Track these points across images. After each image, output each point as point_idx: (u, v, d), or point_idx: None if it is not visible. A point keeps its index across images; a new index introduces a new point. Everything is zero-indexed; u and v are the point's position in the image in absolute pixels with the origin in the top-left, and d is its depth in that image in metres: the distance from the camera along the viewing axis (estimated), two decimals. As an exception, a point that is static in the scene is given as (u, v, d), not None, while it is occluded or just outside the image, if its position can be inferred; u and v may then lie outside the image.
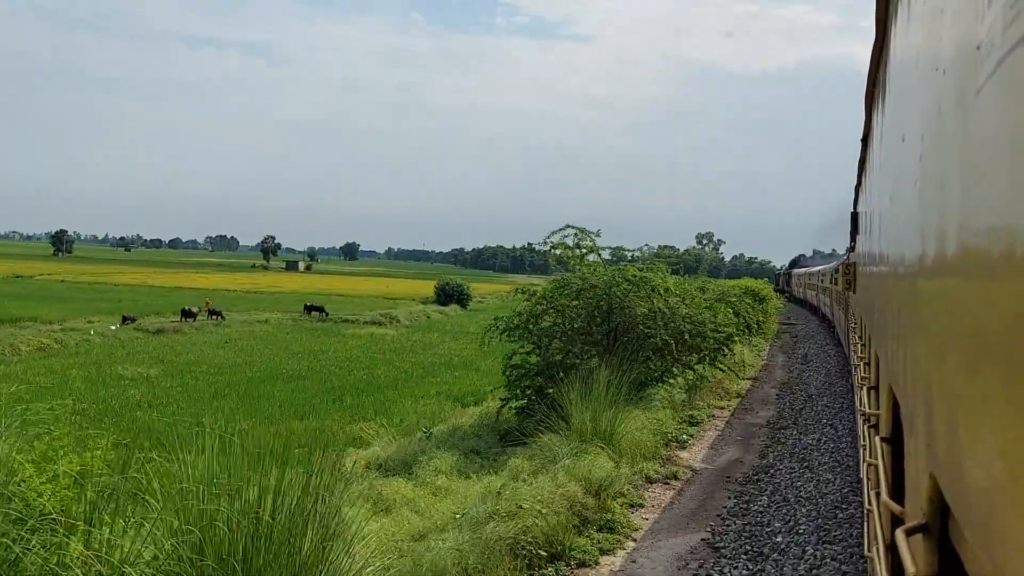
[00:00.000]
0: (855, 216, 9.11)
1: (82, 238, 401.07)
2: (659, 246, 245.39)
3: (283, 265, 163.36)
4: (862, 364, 6.59)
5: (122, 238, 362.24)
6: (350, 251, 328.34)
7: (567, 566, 6.88)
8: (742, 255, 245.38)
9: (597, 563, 7.09)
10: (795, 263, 70.00)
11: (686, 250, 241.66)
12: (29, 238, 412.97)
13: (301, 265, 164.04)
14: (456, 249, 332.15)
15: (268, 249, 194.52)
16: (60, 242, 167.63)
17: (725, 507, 8.85)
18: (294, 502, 4.93)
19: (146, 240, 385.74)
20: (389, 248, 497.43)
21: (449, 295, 57.89)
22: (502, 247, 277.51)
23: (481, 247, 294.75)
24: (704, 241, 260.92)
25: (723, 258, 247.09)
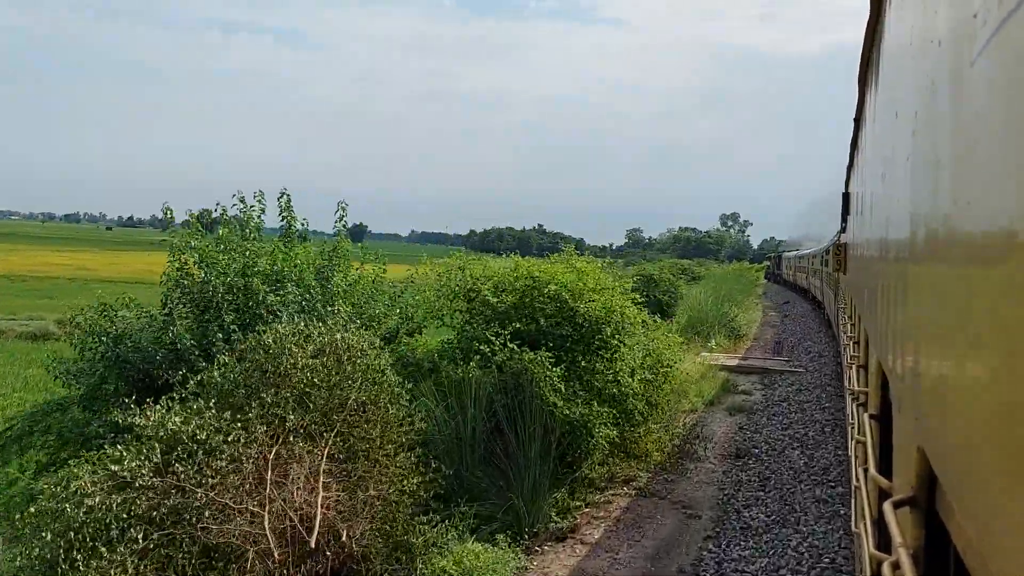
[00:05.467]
0: (847, 196, 9.11)
1: (107, 219, 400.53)
2: (679, 228, 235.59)
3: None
4: (851, 343, 6.63)
5: (131, 217, 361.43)
6: (357, 233, 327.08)
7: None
8: (772, 238, 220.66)
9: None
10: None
11: (706, 232, 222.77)
12: (67, 217, 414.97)
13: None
14: (472, 231, 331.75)
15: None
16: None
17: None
18: None
19: (144, 219, 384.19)
20: (412, 231, 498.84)
21: None
22: (511, 228, 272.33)
23: (489, 228, 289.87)
24: (729, 223, 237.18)
25: (749, 240, 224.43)
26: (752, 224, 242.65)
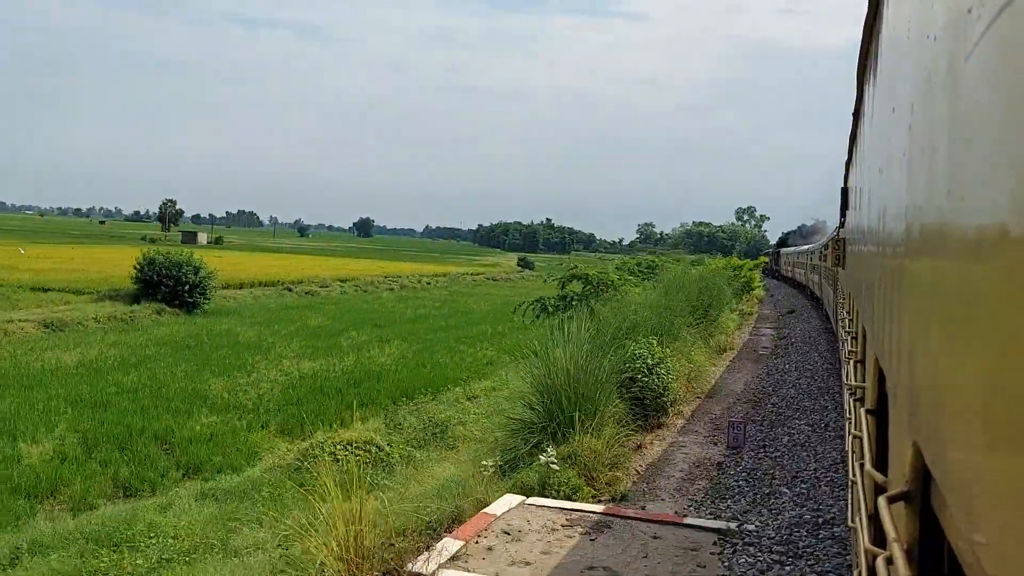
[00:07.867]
0: (845, 191, 9.11)
1: (121, 213, 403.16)
2: (693, 223, 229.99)
3: (180, 236, 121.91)
4: (849, 338, 6.65)
5: (136, 212, 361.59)
6: (363, 227, 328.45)
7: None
8: (790, 232, 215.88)
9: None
10: (783, 242, 70.09)
11: (719, 226, 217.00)
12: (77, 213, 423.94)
13: (203, 237, 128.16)
14: (480, 225, 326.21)
15: (165, 217, 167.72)
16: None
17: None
18: None
19: (153, 212, 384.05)
20: (427, 226, 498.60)
21: (153, 284, 32.41)
22: (518, 223, 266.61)
23: (495, 223, 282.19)
24: (744, 216, 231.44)
25: (765, 235, 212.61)
26: (769, 219, 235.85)
